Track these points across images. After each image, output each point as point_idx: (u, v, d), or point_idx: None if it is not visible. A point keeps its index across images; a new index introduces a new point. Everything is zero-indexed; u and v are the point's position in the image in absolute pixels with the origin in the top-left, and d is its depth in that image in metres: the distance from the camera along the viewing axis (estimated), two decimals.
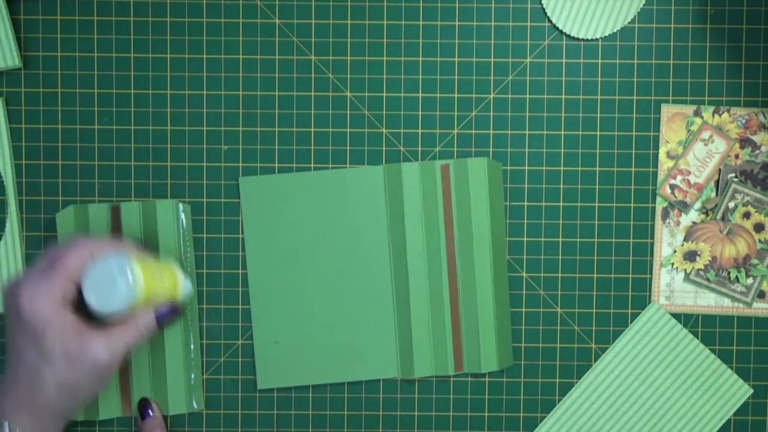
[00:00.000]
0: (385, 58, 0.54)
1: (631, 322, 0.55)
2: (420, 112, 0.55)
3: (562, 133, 0.55)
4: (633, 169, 0.55)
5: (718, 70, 0.55)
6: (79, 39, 0.54)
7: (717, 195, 0.55)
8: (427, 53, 0.54)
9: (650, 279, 0.55)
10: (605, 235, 0.55)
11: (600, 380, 0.55)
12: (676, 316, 0.55)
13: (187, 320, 0.54)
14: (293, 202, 0.54)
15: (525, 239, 0.55)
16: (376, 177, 0.54)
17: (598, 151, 0.55)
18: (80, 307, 0.44)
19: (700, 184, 0.55)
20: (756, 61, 0.55)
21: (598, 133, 0.55)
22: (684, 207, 0.55)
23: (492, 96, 0.55)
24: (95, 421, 0.55)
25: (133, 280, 0.43)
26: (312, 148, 0.55)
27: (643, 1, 0.54)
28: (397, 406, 0.56)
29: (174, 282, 0.49)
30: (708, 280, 0.55)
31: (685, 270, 0.55)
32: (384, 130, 0.55)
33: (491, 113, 0.55)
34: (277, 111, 0.55)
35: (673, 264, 0.55)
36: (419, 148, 0.55)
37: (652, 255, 0.55)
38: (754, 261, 0.55)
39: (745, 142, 0.55)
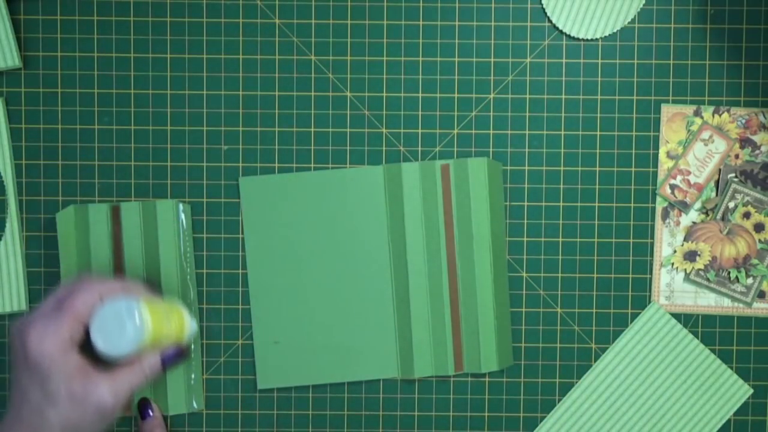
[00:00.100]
0: (385, 58, 0.54)
1: (631, 322, 0.55)
2: (420, 112, 0.55)
3: (562, 133, 0.55)
4: (633, 169, 0.55)
5: (718, 70, 0.55)
6: (79, 39, 0.54)
7: (717, 195, 0.55)
8: (427, 53, 0.54)
9: (650, 279, 0.55)
10: (605, 235, 0.55)
11: (600, 380, 0.55)
12: (676, 316, 0.55)
13: None
14: (293, 202, 0.54)
15: (525, 239, 0.55)
16: (376, 177, 0.54)
17: (598, 151, 0.55)
18: (86, 347, 0.44)
19: (700, 184, 0.55)
20: (756, 61, 0.55)
21: (598, 133, 0.55)
22: (684, 207, 0.55)
23: (492, 96, 0.55)
24: None
25: (141, 323, 0.43)
26: (312, 148, 0.55)
27: (643, 1, 0.54)
28: (397, 406, 0.56)
29: (181, 323, 0.49)
30: (708, 280, 0.55)
31: (685, 270, 0.55)
32: (384, 130, 0.55)
33: (491, 113, 0.55)
34: (277, 111, 0.55)
35: (673, 264, 0.55)
36: (419, 148, 0.55)
37: (652, 255, 0.55)
38: (754, 261, 0.55)
39: (745, 142, 0.55)
